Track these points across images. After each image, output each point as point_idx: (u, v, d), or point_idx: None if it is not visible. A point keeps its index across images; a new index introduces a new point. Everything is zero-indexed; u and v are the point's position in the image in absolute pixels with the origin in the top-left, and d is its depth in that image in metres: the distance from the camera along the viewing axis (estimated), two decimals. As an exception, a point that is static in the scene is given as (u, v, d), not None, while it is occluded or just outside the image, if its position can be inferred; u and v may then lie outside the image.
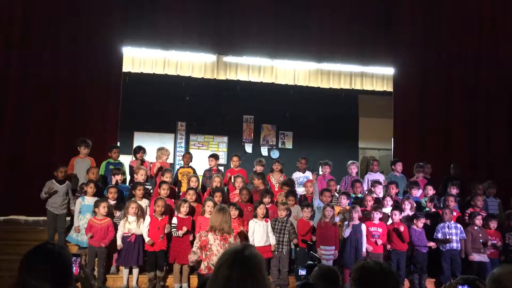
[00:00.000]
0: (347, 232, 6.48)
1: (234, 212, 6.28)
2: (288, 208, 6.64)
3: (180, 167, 8.00)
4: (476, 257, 6.76)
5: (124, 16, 8.34)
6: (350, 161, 8.22)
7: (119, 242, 6.21)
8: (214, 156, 7.93)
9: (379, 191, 7.49)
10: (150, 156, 8.08)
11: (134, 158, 7.81)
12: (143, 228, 6.25)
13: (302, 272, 3.44)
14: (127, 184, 7.42)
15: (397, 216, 6.72)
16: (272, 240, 6.41)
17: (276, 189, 7.51)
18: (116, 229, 6.32)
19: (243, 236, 6.25)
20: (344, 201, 7.00)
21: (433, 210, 7.23)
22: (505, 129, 9.19)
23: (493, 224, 6.91)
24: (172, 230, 6.22)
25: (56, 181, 6.78)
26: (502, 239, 6.93)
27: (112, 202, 6.56)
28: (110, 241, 6.20)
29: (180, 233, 6.15)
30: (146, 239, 6.19)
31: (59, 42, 8.08)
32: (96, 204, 6.27)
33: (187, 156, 7.98)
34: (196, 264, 5.03)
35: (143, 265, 6.31)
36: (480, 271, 6.52)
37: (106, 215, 6.26)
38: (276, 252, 6.43)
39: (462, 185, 7.80)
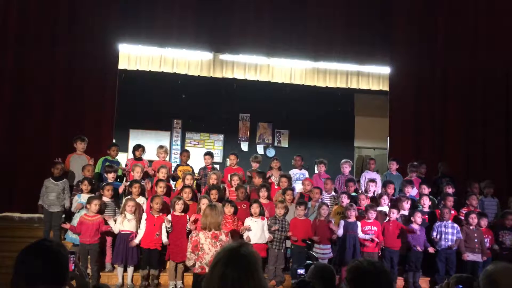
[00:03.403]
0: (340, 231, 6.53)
1: (229, 209, 6.28)
2: (286, 207, 6.65)
3: (178, 165, 7.99)
4: (470, 256, 6.80)
5: (120, 13, 8.28)
6: (343, 160, 8.24)
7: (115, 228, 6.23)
8: (209, 154, 7.95)
9: (373, 189, 7.51)
10: (147, 154, 8.05)
11: (132, 156, 7.79)
12: (140, 227, 6.25)
13: (300, 271, 3.45)
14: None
15: (395, 215, 6.74)
16: (267, 236, 6.39)
17: (276, 187, 7.50)
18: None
19: (238, 234, 6.25)
20: (346, 201, 7.00)
21: (427, 209, 7.25)
22: (500, 129, 9.23)
23: (484, 222, 6.95)
24: (167, 226, 6.21)
25: (52, 178, 6.75)
26: (494, 237, 6.99)
27: (108, 200, 6.53)
28: (99, 238, 6.18)
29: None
30: (138, 239, 6.17)
31: (55, 40, 8.03)
32: (88, 201, 6.21)
33: (185, 154, 7.97)
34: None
35: (137, 263, 6.30)
36: (474, 270, 6.57)
37: (98, 212, 6.22)
38: (275, 251, 6.43)
39: (453, 183, 7.83)
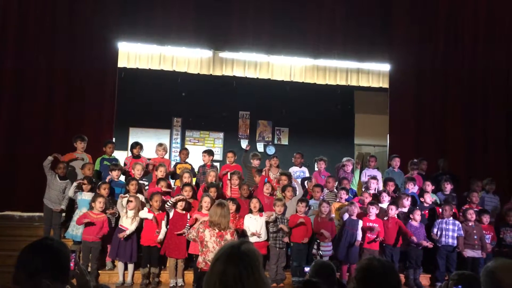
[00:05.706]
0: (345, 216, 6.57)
1: (231, 207, 6.28)
2: (284, 204, 6.64)
3: (177, 163, 7.99)
4: (469, 252, 6.81)
5: (119, 11, 8.27)
6: (345, 158, 8.25)
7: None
8: (208, 152, 7.91)
9: (374, 187, 7.51)
10: (147, 152, 8.05)
11: (130, 154, 7.77)
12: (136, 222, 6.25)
13: (307, 269, 3.45)
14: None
15: (393, 211, 6.74)
16: (264, 236, 6.39)
17: (274, 184, 7.50)
18: (110, 225, 6.33)
19: (236, 232, 6.23)
20: (344, 197, 7.01)
21: (428, 204, 7.25)
22: (501, 126, 9.23)
23: (486, 219, 6.97)
24: (167, 205, 6.28)
25: (58, 177, 6.76)
26: (496, 234, 7.00)
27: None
28: (102, 235, 6.18)
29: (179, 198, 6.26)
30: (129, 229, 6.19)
31: (54, 38, 8.02)
32: (93, 199, 6.25)
33: (184, 152, 7.97)
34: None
35: (138, 261, 6.31)
36: (474, 266, 6.58)
37: (102, 211, 6.23)
38: (277, 249, 6.43)
39: (453, 179, 7.83)
